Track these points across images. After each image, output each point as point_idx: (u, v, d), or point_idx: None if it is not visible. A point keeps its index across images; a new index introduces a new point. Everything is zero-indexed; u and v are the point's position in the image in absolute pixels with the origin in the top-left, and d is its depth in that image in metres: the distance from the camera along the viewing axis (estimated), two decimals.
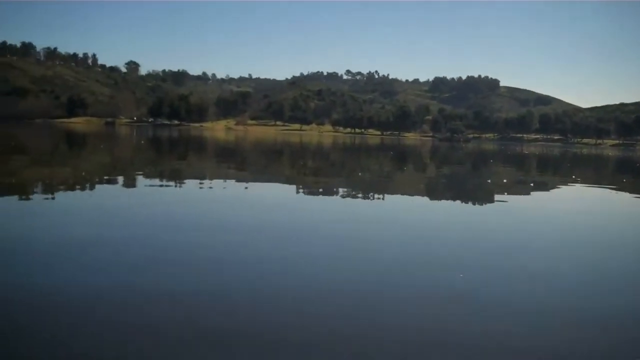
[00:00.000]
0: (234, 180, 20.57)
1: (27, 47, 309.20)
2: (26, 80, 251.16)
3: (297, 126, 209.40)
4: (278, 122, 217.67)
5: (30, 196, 13.93)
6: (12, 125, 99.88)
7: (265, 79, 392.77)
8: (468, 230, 11.81)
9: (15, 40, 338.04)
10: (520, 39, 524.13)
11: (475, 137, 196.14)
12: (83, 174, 20.37)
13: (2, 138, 50.25)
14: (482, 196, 19.85)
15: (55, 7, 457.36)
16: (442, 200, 18.81)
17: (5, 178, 17.59)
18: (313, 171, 28.51)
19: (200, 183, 18.98)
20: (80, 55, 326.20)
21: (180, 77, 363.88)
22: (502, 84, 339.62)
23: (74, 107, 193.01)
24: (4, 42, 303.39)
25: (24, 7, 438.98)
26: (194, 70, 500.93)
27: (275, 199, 15.88)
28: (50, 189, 15.88)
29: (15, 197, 13.73)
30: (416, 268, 8.17)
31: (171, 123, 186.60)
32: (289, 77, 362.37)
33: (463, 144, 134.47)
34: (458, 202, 18.40)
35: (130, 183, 18.21)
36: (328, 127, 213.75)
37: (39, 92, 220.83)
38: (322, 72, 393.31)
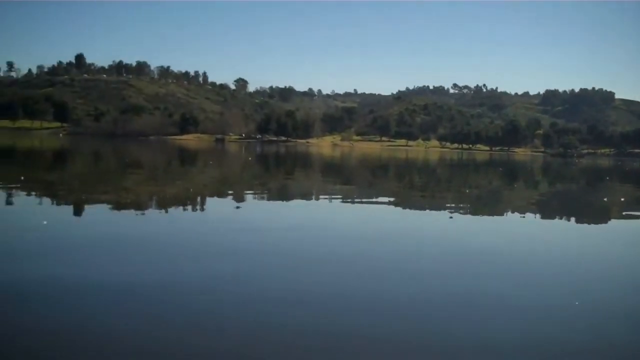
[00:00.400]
0: (339, 197, 20.58)
1: (142, 66, 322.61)
2: (141, 99, 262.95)
3: (402, 141, 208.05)
4: (384, 138, 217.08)
5: (145, 211, 14.52)
6: (128, 142, 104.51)
7: (371, 94, 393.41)
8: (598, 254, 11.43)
9: (131, 59, 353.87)
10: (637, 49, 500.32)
11: (590, 152, 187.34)
12: (193, 189, 21.07)
13: (118, 154, 52.83)
14: (600, 215, 19.15)
15: (168, 29, 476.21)
16: (557, 219, 18.10)
17: (121, 193, 18.39)
18: (419, 188, 28.49)
19: (307, 200, 19.38)
20: (192, 73, 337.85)
21: (287, 93, 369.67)
22: (617, 96, 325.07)
23: (186, 124, 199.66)
24: (121, 62, 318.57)
25: (139, 28, 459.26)
26: (301, 86, 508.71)
27: (381, 216, 15.69)
28: (163, 203, 16.50)
29: (132, 211, 14.28)
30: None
31: (278, 139, 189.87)
32: (395, 92, 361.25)
33: (577, 159, 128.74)
34: (574, 221, 17.73)
35: (239, 199, 18.59)
36: (434, 142, 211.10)
37: (153, 109, 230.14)
38: (428, 86, 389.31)
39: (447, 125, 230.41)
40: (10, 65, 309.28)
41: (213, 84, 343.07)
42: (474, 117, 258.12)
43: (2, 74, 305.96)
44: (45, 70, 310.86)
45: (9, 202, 15.16)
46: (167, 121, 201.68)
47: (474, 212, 18.17)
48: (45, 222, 11.37)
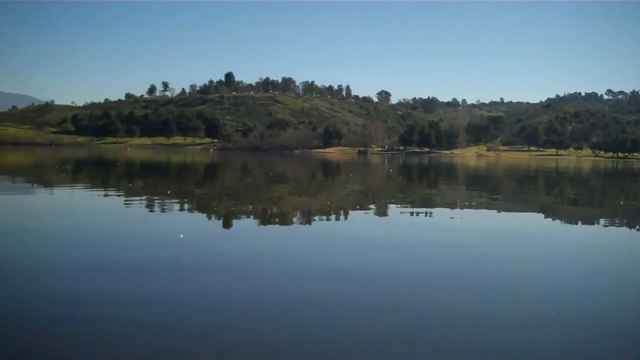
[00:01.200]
0: (484, 210, 19.90)
1: (288, 82, 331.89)
2: (286, 113, 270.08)
3: (552, 151, 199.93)
4: (532, 147, 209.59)
5: (290, 224, 14.49)
6: (273, 156, 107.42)
7: (518, 103, 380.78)
8: None
9: (277, 76, 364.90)
10: None
11: None
12: (336, 202, 20.97)
13: (264, 168, 53.99)
14: None
15: (312, 45, 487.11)
16: None
17: (268, 205, 18.54)
18: (571, 200, 26.57)
19: (450, 211, 18.43)
20: (335, 87, 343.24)
21: (430, 104, 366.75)
22: None
23: (329, 137, 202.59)
24: (267, 78, 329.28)
25: (285, 46, 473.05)
26: (444, 96, 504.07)
27: (528, 230, 14.83)
28: (307, 215, 16.43)
29: (276, 225, 14.31)
30: None
31: (421, 150, 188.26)
32: (543, 100, 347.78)
33: None
34: None
35: (382, 211, 18.24)
36: (587, 151, 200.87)
37: (298, 123, 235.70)
38: (579, 93, 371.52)
39: (600, 133, 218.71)
40: (165, 85, 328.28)
41: (356, 97, 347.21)
42: (630, 124, 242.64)
43: (158, 94, 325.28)
44: (198, 89, 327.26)
45: (159, 213, 15.88)
46: (311, 135, 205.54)
47: (631, 226, 16.75)
48: (181, 236, 11.29)
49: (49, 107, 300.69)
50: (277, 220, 15.27)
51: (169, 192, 22.33)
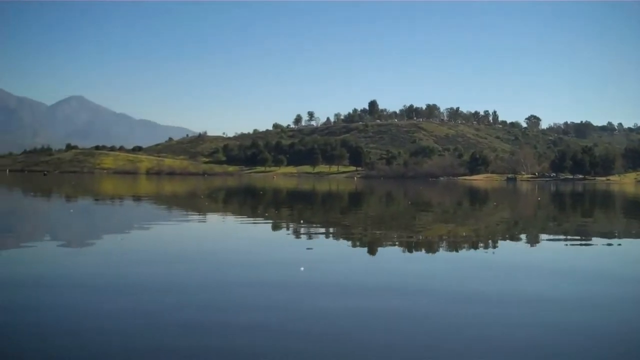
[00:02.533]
0: None
1: (432, 109, 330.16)
2: (431, 140, 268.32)
3: None
4: None
5: (435, 252, 14.05)
6: (417, 183, 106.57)
7: None
8: None
9: (421, 103, 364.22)
10: None
11: None
12: (483, 230, 20.23)
13: (409, 196, 53.54)
14: None
15: (455, 71, 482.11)
16: None
17: (413, 234, 18.17)
18: None
19: (608, 244, 17.20)
20: (482, 113, 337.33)
21: (583, 128, 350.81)
22: None
23: (476, 164, 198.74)
24: (411, 106, 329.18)
25: (429, 73, 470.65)
26: (598, 120, 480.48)
27: None
28: (454, 243, 15.90)
29: (422, 252, 13.93)
30: None
31: (574, 177, 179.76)
32: None
33: None
34: None
35: (533, 241, 17.31)
36: None
37: (442, 150, 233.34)
38: None
39: None
40: (310, 114, 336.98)
41: (503, 123, 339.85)
42: None
43: (303, 123, 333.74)
44: (342, 117, 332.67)
45: (305, 240, 16.04)
46: (456, 162, 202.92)
47: None
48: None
49: (201, 138, 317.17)
50: (422, 247, 14.85)
51: (314, 219, 22.53)
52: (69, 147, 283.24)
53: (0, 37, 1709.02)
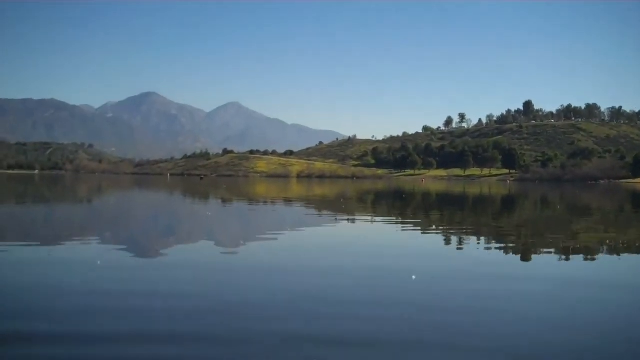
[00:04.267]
0: None
1: (592, 109, 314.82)
2: (590, 142, 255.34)
3: None
4: None
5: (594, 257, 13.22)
6: (575, 187, 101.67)
7: None
8: None
9: (580, 102, 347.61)
10: None
11: None
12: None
13: (567, 200, 51.17)
14: None
15: (619, 68, 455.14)
16: None
17: (568, 240, 17.23)
18: None
19: None
20: None
21: None
22: None
23: None
24: (569, 106, 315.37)
25: (588, 71, 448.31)
26: None
27: None
28: (614, 250, 14.86)
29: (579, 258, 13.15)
30: None
31: None
32: None
33: None
34: None
35: None
36: None
37: (603, 152, 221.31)
38: None
39: None
40: (462, 116, 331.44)
41: None
42: None
43: (454, 126, 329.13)
44: (494, 119, 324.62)
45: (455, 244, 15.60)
46: (618, 164, 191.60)
47: None
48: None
49: (351, 141, 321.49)
50: (576, 254, 14.00)
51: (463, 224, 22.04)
52: (225, 151, 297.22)
53: (162, 48, 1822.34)
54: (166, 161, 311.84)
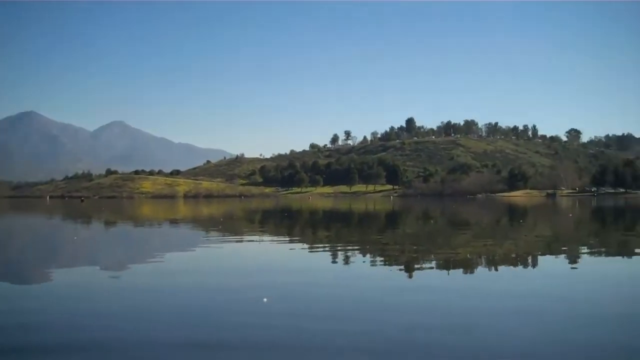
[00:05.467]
0: None
1: (470, 125, 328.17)
2: (469, 157, 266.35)
3: None
4: None
5: (474, 270, 13.87)
6: (455, 201, 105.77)
7: None
8: None
9: (458, 119, 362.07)
10: None
11: None
12: (520, 248, 19.88)
13: (447, 214, 53.13)
14: None
15: (495, 86, 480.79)
16: None
17: (450, 252, 17.94)
18: None
19: None
20: (521, 127, 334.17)
21: (625, 141, 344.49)
22: None
23: (515, 180, 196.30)
24: (449, 122, 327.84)
25: (465, 89, 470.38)
26: None
27: None
28: (492, 261, 15.73)
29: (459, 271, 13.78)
30: None
31: (616, 192, 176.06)
32: None
33: None
34: None
35: (573, 259, 16.93)
36: None
37: (481, 167, 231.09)
38: None
39: None
40: (347, 134, 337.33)
41: (543, 137, 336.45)
42: None
43: (340, 143, 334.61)
44: (379, 136, 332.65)
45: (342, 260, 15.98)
46: (495, 178, 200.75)
47: None
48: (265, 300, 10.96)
49: (239, 160, 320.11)
50: (461, 267, 14.67)
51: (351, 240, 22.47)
52: (109, 172, 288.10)
53: (40, 64, 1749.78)
54: (46, 183, 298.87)
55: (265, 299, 9.88)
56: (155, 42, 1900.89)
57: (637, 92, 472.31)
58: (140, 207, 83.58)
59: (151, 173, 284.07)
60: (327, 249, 19.88)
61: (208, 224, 35.91)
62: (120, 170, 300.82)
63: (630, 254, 18.25)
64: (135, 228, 34.51)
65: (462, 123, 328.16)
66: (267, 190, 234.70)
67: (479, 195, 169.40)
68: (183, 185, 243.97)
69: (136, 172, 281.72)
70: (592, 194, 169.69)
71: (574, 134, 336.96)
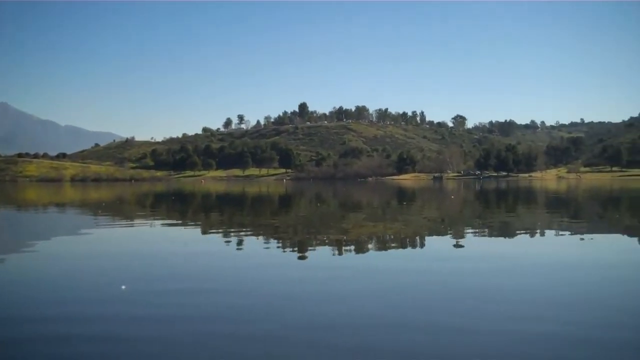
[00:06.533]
0: (567, 233, 19.15)
1: (361, 110, 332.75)
2: (360, 142, 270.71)
3: (637, 171, 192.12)
4: (615, 168, 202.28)
5: (364, 250, 14.18)
6: (348, 184, 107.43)
7: (599, 123, 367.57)
8: None
9: (350, 104, 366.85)
10: None
11: None
12: (409, 229, 20.51)
13: (339, 196, 53.89)
14: None
15: (385, 72, 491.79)
16: None
17: (341, 234, 18.27)
18: None
19: (531, 236, 17.76)
20: (410, 113, 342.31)
21: (507, 127, 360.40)
22: None
23: (403, 164, 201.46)
24: (341, 107, 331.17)
25: (358, 75, 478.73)
26: (522, 119, 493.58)
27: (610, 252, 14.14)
28: (382, 242, 16.22)
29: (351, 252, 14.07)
30: None
31: (498, 175, 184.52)
32: (626, 119, 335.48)
33: None
34: None
35: (458, 236, 17.67)
36: None
37: (372, 151, 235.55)
38: None
39: None
40: (241, 118, 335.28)
41: (430, 123, 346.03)
42: None
43: (234, 127, 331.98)
44: (272, 120, 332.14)
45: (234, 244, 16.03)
46: (385, 162, 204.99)
47: None
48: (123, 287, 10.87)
49: (129, 143, 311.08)
50: (352, 247, 15.03)
51: (244, 223, 22.44)
52: None
53: None
54: None
55: (123, 287, 9.63)
56: (41, 19, 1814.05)
57: (519, 80, 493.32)
58: (24, 191, 79.85)
59: (36, 156, 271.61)
60: (219, 232, 19.79)
61: (95, 208, 34.81)
62: (2, 154, 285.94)
63: (511, 234, 19.13)
64: (18, 212, 33.02)
65: (353, 109, 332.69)
66: (159, 174, 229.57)
67: (370, 179, 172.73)
68: (70, 169, 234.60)
69: (19, 155, 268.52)
70: (477, 177, 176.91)
71: (460, 120, 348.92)
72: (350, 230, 19.91)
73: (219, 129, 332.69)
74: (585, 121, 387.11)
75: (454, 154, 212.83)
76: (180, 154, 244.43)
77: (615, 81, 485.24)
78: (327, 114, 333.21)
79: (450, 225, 22.53)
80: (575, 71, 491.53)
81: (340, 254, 14.01)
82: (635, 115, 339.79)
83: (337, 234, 18.52)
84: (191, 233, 20.01)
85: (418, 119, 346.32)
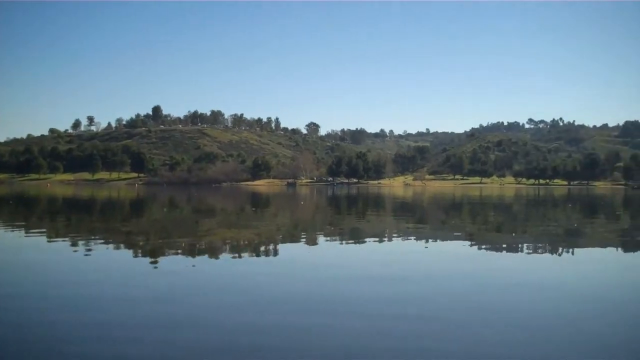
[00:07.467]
0: (413, 238, 20.09)
1: (216, 115, 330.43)
2: (215, 147, 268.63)
3: (477, 179, 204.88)
4: (457, 176, 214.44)
5: (219, 255, 14.25)
6: (202, 189, 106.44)
7: (444, 133, 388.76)
8: None
9: (205, 109, 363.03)
10: None
11: None
12: (263, 235, 20.77)
13: (193, 201, 53.36)
14: None
15: (241, 78, 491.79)
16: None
17: (196, 239, 18.18)
18: (495, 226, 27.05)
19: (379, 241, 18.61)
20: (265, 119, 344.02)
21: (358, 135, 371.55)
22: None
23: (258, 169, 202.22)
24: (196, 112, 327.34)
25: (214, 78, 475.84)
26: (372, 127, 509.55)
27: (456, 256, 15.14)
28: (236, 248, 16.29)
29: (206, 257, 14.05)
30: None
31: (349, 181, 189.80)
32: (468, 130, 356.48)
33: None
34: None
35: (311, 243, 18.19)
36: (510, 178, 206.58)
37: (227, 156, 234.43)
38: (502, 122, 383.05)
39: (522, 161, 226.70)
40: (90, 119, 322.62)
41: (285, 129, 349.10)
42: (550, 152, 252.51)
43: (83, 129, 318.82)
44: (124, 123, 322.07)
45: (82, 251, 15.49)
46: (239, 167, 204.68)
47: (553, 250, 17.37)
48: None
49: None
50: (206, 253, 15.12)
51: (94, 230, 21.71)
52: None
53: None
54: None
55: None
56: None
57: (369, 93, 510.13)
58: None
59: None
60: (65, 239, 19.09)
61: None
62: None
63: (361, 238, 19.91)
64: None
65: (209, 113, 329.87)
66: (1, 176, 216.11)
67: (224, 184, 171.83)
68: None
69: None
70: (329, 183, 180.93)
71: (313, 127, 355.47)
72: (203, 236, 19.90)
73: (67, 130, 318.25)
74: (431, 131, 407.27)
75: (307, 160, 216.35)
76: (24, 156, 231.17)
77: (459, 94, 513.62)
78: (182, 117, 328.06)
79: (304, 230, 23.05)
80: (421, 82, 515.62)
81: (193, 258, 13.99)
82: (476, 126, 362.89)
83: (193, 239, 18.46)
84: (32, 240, 19.14)
85: (273, 125, 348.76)
